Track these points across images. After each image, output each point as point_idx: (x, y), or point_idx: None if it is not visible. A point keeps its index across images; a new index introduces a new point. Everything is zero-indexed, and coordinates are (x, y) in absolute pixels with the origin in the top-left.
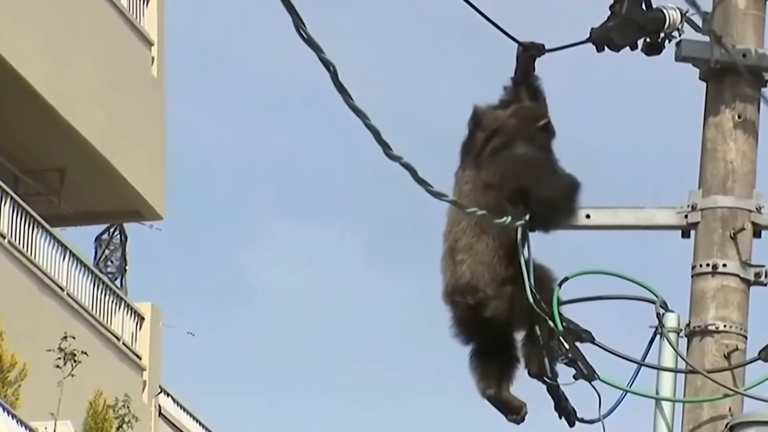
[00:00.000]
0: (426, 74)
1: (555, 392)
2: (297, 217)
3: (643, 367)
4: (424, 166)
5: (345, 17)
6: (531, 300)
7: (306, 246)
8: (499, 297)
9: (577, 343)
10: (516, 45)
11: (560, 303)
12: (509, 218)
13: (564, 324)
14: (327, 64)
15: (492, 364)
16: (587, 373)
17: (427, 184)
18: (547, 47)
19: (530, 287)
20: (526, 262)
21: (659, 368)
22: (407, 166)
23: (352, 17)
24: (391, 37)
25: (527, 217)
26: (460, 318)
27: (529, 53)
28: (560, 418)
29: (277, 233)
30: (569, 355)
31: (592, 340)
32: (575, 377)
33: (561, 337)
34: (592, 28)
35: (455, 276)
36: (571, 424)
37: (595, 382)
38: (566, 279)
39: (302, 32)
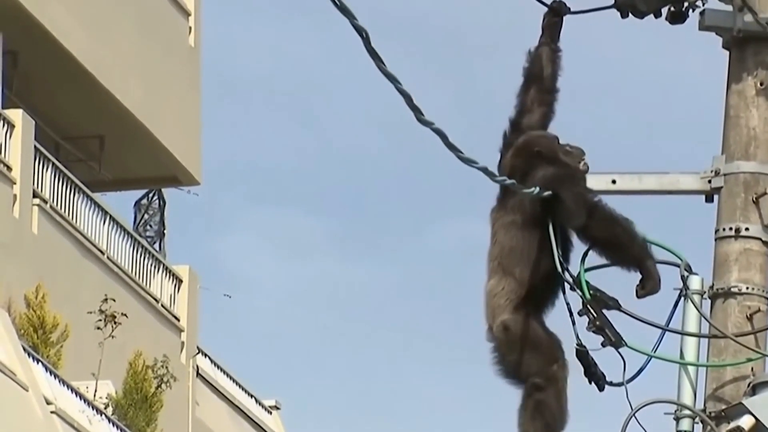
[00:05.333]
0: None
1: (584, 358)
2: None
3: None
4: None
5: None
6: (559, 269)
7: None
8: (503, 336)
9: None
10: (545, 9)
11: (586, 270)
12: (537, 188)
13: (591, 292)
14: (360, 31)
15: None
16: (615, 341)
17: (458, 150)
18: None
19: (558, 257)
20: (554, 234)
21: (684, 333)
22: (438, 132)
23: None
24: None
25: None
26: (496, 357)
27: (553, 15)
28: (590, 383)
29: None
30: (597, 323)
31: (619, 307)
32: (603, 344)
33: (588, 306)
34: None
35: (486, 318)
36: (601, 389)
37: (622, 349)
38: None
39: None
